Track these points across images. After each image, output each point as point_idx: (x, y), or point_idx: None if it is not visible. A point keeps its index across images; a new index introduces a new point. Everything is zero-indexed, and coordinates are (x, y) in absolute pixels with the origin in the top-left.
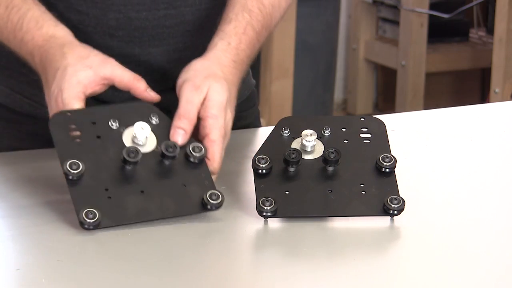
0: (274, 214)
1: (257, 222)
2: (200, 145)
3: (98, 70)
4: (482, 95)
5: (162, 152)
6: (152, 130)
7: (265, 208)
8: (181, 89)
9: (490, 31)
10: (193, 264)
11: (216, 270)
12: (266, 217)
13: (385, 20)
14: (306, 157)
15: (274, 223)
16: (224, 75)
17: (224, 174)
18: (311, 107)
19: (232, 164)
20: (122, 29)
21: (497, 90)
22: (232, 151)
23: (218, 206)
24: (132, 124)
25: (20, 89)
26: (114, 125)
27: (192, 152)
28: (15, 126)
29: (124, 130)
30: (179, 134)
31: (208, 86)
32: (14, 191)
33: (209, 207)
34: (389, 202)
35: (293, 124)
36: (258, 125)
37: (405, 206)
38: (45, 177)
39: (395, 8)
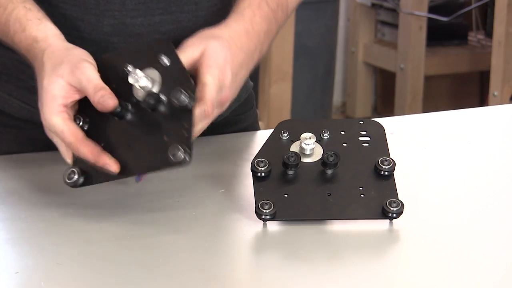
0: (273, 217)
1: (256, 225)
2: (182, 89)
3: (68, 79)
4: (481, 98)
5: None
6: (161, 73)
7: (264, 211)
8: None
9: (489, 34)
10: (192, 267)
11: (215, 273)
12: (265, 220)
13: (384, 23)
14: (305, 160)
15: (273, 226)
16: (229, 38)
17: (222, 177)
18: (310, 110)
19: (231, 167)
20: (117, 35)
21: (495, 93)
22: (230, 154)
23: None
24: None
25: (18, 95)
26: None
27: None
28: (14, 132)
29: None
30: None
31: (205, 44)
32: (13, 194)
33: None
34: (388, 205)
35: (292, 127)
36: (257, 127)
37: (404, 209)
38: (44, 181)
39: (394, 11)
